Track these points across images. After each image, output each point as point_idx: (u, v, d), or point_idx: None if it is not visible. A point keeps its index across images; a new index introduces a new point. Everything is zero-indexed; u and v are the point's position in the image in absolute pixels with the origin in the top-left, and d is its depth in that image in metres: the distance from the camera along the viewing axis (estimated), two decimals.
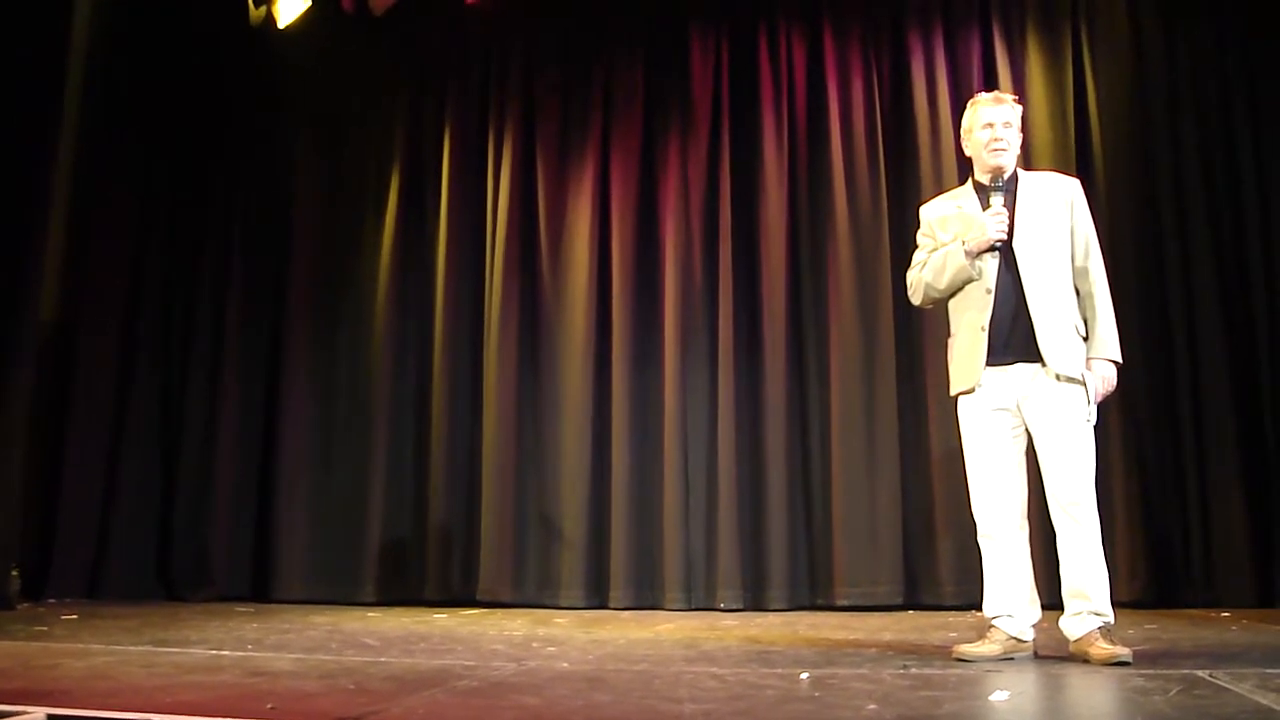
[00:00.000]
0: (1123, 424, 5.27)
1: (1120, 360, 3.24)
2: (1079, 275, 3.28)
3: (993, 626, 3.20)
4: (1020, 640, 3.18)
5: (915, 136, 5.72)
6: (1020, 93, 5.65)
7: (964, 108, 5.74)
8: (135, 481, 6.09)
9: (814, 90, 5.93)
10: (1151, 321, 5.37)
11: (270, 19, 6.12)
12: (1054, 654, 3.17)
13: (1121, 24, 5.69)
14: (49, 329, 5.83)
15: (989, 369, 3.21)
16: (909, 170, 5.71)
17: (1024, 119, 3.52)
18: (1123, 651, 2.94)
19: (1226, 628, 4.07)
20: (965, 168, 3.54)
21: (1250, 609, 4.75)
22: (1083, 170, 5.55)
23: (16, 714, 2.02)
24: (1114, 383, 3.23)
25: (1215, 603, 4.93)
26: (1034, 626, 3.23)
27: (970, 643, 3.22)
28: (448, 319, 6.09)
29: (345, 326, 6.28)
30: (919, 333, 5.49)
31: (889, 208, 5.67)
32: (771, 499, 5.45)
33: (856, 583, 5.26)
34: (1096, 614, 3.05)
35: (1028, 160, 5.56)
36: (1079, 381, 3.14)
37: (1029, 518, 3.27)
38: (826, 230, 5.72)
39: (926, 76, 5.78)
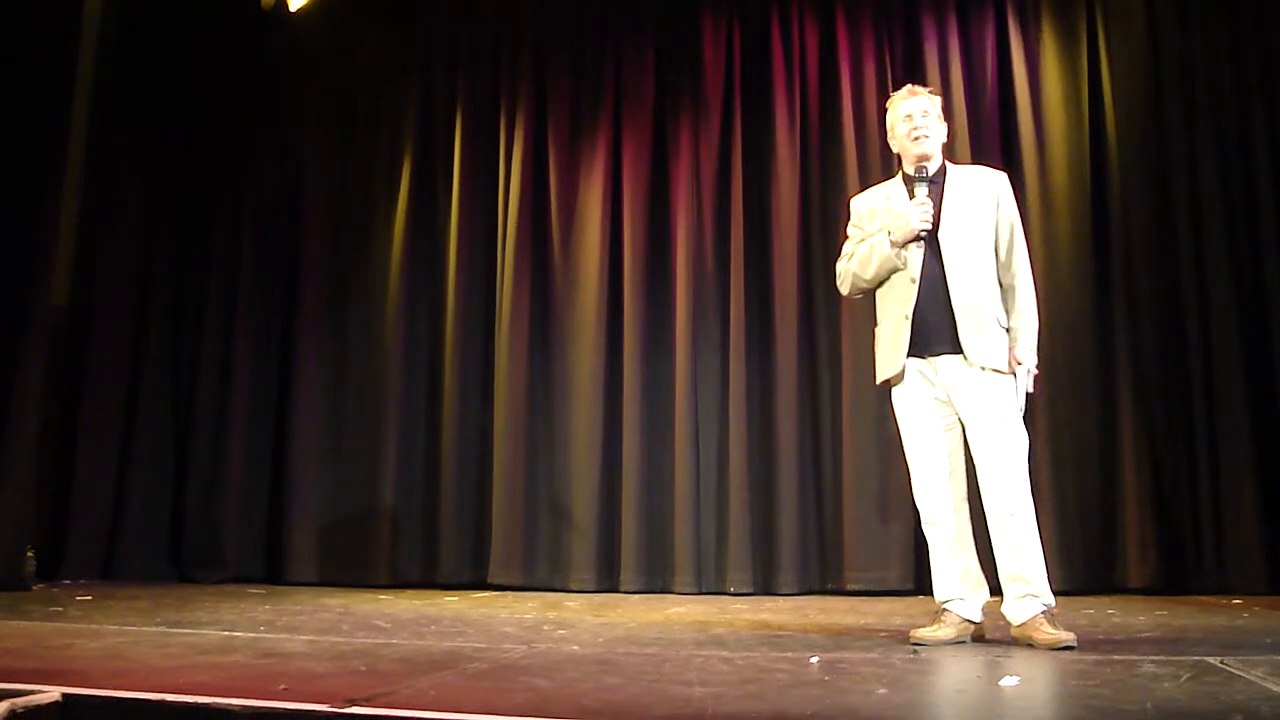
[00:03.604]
0: (1134, 410, 5.26)
1: (1036, 363, 3.24)
2: (1003, 269, 3.30)
3: (945, 611, 3.25)
4: (972, 622, 3.24)
5: None
6: (1034, 76, 5.64)
7: (978, 91, 5.76)
8: (148, 464, 6.13)
9: (826, 74, 5.90)
10: (1164, 305, 5.36)
11: (282, 3, 6.11)
12: (1001, 637, 3.20)
13: (1136, 6, 5.65)
14: (62, 314, 5.86)
15: (916, 360, 3.26)
16: None
17: (944, 108, 3.54)
18: (1067, 636, 2.97)
19: (1238, 614, 4.05)
20: (896, 161, 3.58)
21: (1261, 595, 4.74)
22: (1096, 152, 5.54)
23: (32, 693, 2.04)
24: (1030, 384, 3.24)
25: (1226, 589, 4.92)
26: (982, 608, 3.27)
27: (924, 627, 3.25)
28: (459, 304, 6.09)
29: (357, 310, 6.29)
30: None
31: None
32: (782, 483, 5.46)
33: (867, 567, 5.27)
34: (1036, 596, 3.07)
35: (1041, 143, 5.55)
36: (1003, 371, 3.18)
37: (969, 501, 3.29)
38: (838, 215, 5.65)
39: (940, 60, 5.74)
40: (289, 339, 6.31)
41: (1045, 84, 5.63)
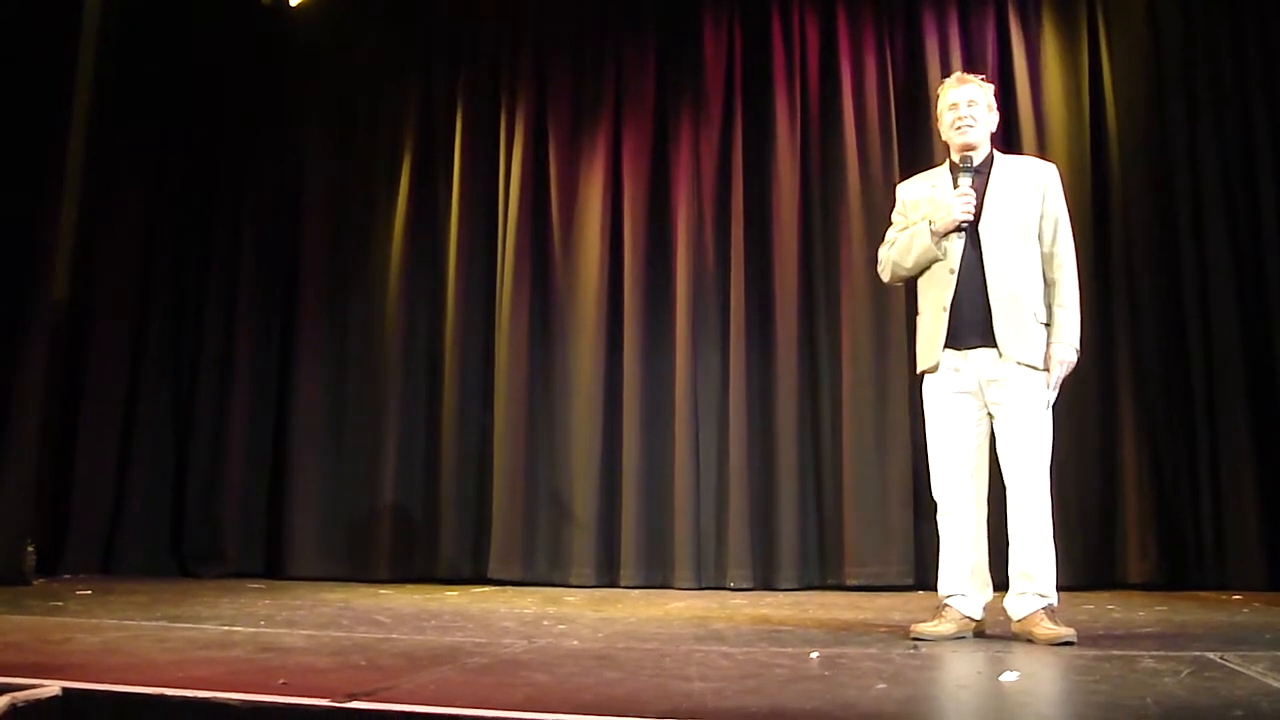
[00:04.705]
0: (1135, 405, 5.26)
1: (1078, 352, 3.21)
2: (1046, 260, 3.26)
3: (946, 606, 3.23)
4: (973, 619, 3.22)
5: (928, 117, 5.66)
6: (1035, 72, 5.63)
7: None
8: (148, 461, 6.14)
9: (827, 70, 5.90)
10: (1165, 301, 5.35)
11: None
12: (1001, 632, 3.20)
13: (1137, 2, 5.64)
14: (63, 309, 5.87)
15: (951, 351, 3.22)
16: (922, 151, 5.67)
17: (996, 96, 3.52)
18: (1067, 632, 2.96)
19: (1237, 610, 4.05)
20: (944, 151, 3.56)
21: (1261, 591, 4.74)
22: (1097, 148, 5.54)
23: (32, 687, 2.04)
24: (1069, 369, 3.20)
25: (1226, 585, 4.92)
26: (984, 607, 3.25)
27: (925, 622, 3.23)
28: (459, 302, 6.09)
29: (358, 304, 6.29)
30: None
31: None
32: (782, 479, 5.46)
33: (866, 563, 5.27)
34: (1040, 595, 3.08)
35: (1042, 138, 5.54)
36: (1037, 368, 3.15)
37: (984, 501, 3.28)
38: (839, 211, 5.70)
39: (940, 56, 5.74)
40: (289, 338, 6.31)
41: (1046, 80, 5.62)
